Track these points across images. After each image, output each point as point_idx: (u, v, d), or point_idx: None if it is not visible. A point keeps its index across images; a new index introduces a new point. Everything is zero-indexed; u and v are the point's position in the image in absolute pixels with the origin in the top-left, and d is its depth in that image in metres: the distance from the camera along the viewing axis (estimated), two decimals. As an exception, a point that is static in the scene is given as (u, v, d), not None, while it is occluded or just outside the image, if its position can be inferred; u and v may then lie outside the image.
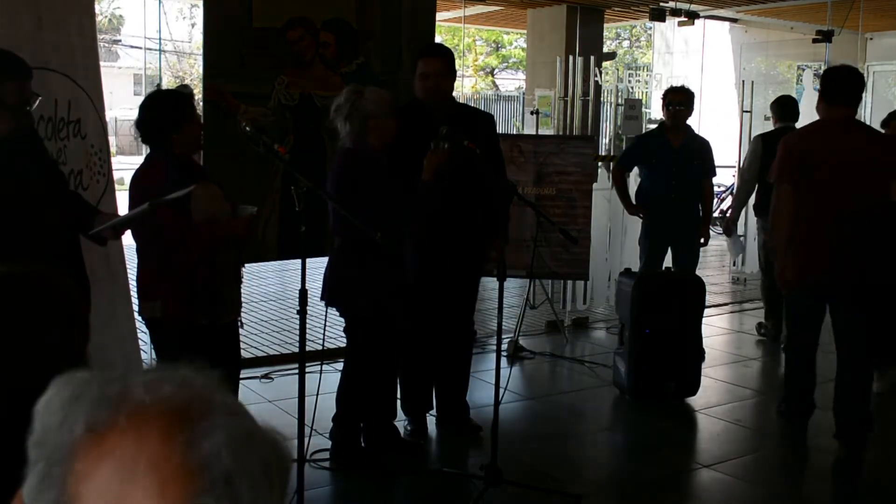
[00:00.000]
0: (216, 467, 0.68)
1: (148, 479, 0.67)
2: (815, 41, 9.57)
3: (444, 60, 4.40)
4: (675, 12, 10.21)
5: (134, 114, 3.65)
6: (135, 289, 3.64)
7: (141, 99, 3.77)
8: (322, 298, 4.07)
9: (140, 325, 4.15)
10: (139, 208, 3.23)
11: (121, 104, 21.33)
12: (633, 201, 6.42)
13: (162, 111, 3.51)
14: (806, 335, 4.54)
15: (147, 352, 5.04)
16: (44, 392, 0.74)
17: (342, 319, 4.13)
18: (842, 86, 4.27)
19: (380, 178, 3.92)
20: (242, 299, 3.80)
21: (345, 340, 4.23)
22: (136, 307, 3.76)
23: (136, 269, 3.59)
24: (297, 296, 3.42)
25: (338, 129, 4.00)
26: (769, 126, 7.17)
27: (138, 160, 4.82)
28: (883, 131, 5.45)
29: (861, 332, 4.30)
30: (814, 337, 4.54)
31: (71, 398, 0.72)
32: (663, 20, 10.28)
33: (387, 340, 4.09)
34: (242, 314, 3.81)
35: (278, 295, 7.94)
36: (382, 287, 3.98)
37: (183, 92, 3.65)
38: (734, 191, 7.94)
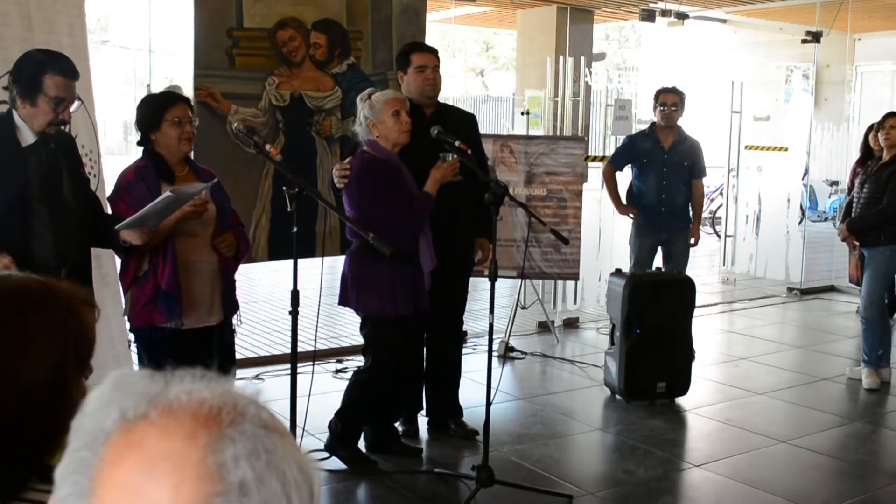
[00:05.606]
0: (233, 474, 0.68)
1: (166, 474, 0.68)
2: (804, 42, 9.59)
3: (437, 54, 4.48)
4: (665, 13, 10.23)
5: (124, 114, 3.68)
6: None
7: (130, 100, 3.80)
8: (340, 300, 4.14)
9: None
10: (160, 198, 3.17)
11: (110, 105, 21.26)
12: (624, 201, 6.44)
13: (139, 111, 3.57)
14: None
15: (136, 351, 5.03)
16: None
17: (336, 320, 4.13)
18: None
19: (390, 180, 3.93)
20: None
21: (340, 341, 4.22)
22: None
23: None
24: (289, 296, 3.42)
25: (355, 131, 4.12)
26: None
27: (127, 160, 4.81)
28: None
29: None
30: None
31: (113, 387, 0.74)
32: (653, 21, 10.30)
33: (403, 342, 4.10)
34: (235, 315, 3.76)
35: (269, 296, 7.93)
36: (397, 288, 3.99)
37: (171, 93, 3.65)
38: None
